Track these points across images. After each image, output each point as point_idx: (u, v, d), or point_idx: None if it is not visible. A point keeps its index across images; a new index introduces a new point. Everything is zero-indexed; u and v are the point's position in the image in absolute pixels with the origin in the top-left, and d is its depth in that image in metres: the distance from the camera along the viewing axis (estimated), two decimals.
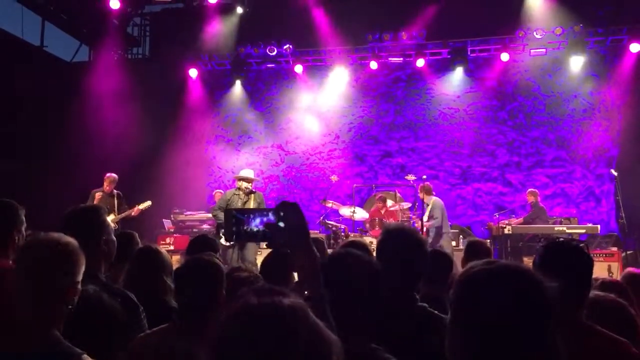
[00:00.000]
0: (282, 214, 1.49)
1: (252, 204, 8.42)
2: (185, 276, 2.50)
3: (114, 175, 9.51)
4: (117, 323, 1.65)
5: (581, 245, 2.24)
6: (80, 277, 1.89)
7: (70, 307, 1.79)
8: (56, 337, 1.73)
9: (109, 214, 9.02)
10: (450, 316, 1.36)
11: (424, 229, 9.37)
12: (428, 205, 9.71)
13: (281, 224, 1.48)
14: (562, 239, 2.37)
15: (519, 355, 1.25)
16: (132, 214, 9.35)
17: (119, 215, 9.25)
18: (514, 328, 1.25)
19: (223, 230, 8.28)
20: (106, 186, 9.39)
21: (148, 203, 9.55)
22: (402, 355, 2.27)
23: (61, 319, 1.81)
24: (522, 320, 1.25)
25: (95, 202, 8.92)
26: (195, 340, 2.23)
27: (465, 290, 1.33)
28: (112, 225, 8.55)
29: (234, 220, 1.55)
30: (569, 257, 2.16)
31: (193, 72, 13.07)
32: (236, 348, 1.01)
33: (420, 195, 9.64)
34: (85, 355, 1.60)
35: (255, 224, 1.53)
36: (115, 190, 9.45)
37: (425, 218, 9.54)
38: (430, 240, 9.40)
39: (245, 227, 1.54)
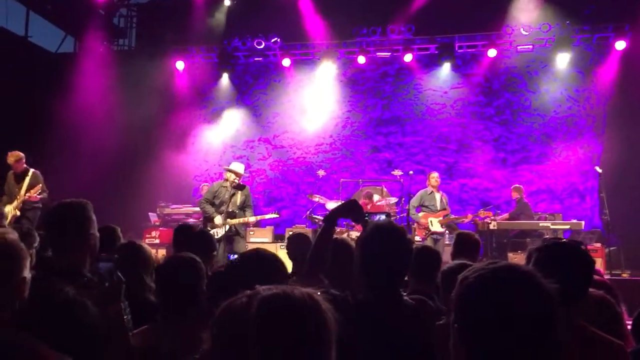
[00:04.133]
0: None
1: (239, 198, 8.40)
2: (166, 274, 2.49)
3: (16, 152, 8.24)
4: (102, 334, 1.63)
5: (582, 246, 2.23)
6: (26, 273, 1.93)
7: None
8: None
9: (11, 199, 8.14)
10: (453, 317, 1.36)
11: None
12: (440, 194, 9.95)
13: None
14: (564, 240, 2.38)
15: (524, 356, 1.26)
16: (28, 199, 8.07)
17: (20, 199, 8.05)
18: (519, 329, 1.25)
19: (210, 224, 8.26)
20: (13, 165, 8.21)
21: (37, 187, 8.15)
22: (392, 347, 2.29)
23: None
24: (526, 322, 1.25)
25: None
26: (180, 339, 2.22)
27: (469, 292, 1.31)
28: (13, 212, 8.10)
29: None
30: (571, 258, 2.14)
31: (180, 65, 12.96)
32: (279, 327, 1.23)
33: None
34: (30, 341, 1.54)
35: None
36: (31, 169, 8.27)
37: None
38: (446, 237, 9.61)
39: None
